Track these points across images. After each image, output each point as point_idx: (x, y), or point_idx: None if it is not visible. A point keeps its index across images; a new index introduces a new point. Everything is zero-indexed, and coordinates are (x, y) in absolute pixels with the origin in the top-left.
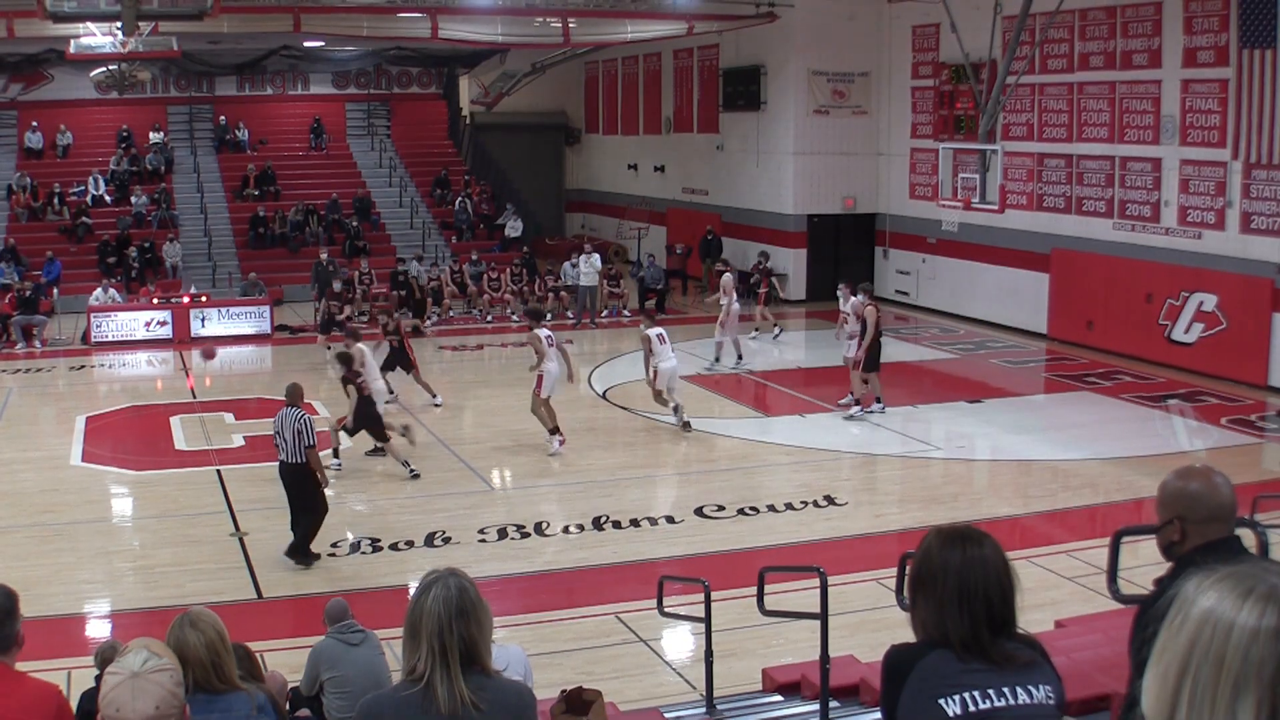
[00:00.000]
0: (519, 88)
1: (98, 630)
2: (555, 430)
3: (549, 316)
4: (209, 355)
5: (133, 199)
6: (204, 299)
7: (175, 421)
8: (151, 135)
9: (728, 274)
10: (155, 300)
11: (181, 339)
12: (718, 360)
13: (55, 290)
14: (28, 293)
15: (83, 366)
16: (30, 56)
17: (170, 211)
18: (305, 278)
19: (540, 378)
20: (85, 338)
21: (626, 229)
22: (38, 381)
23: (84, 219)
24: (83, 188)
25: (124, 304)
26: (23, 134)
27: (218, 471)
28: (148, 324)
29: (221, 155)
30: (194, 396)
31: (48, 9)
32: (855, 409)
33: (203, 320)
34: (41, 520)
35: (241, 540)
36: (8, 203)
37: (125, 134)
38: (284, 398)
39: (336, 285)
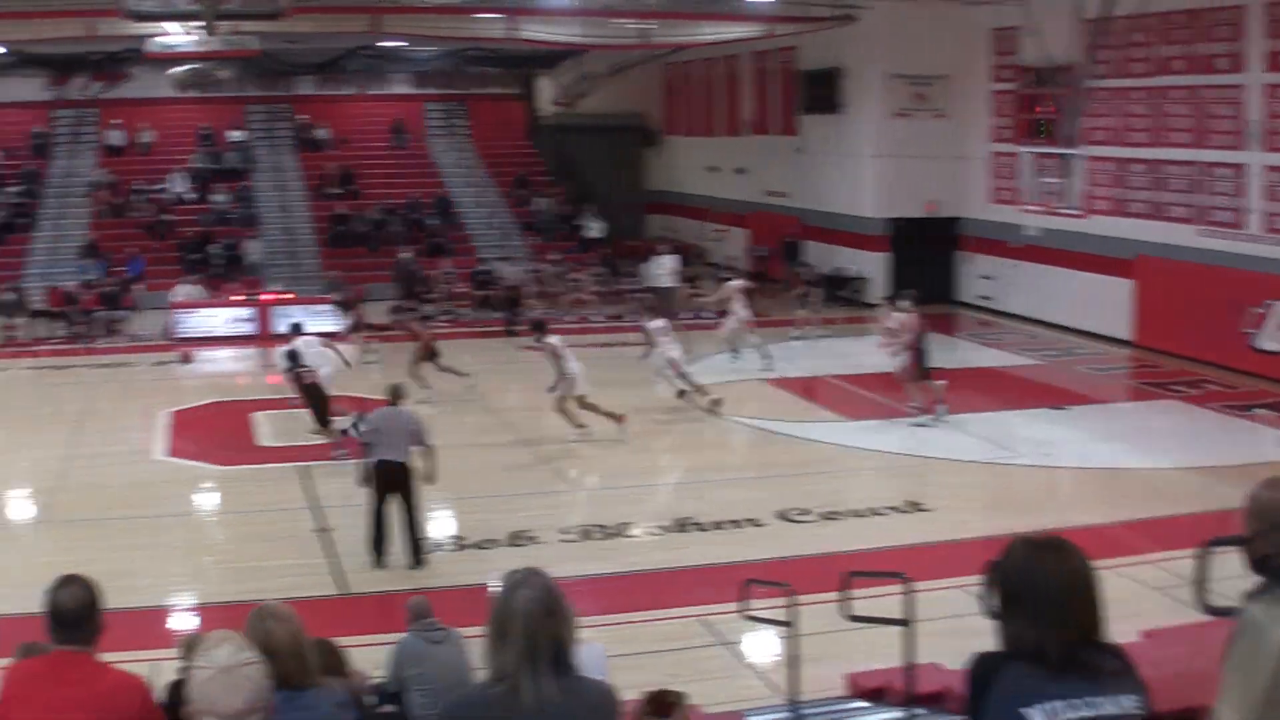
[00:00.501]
0: (597, 89)
1: (181, 623)
2: (613, 415)
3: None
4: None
5: (214, 197)
6: (288, 296)
7: (257, 417)
8: (232, 134)
9: (735, 281)
10: (238, 297)
11: (264, 335)
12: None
13: (138, 287)
14: (111, 289)
15: (166, 362)
16: (111, 55)
17: (251, 210)
18: (386, 276)
19: (569, 381)
20: (169, 333)
21: (708, 231)
22: (120, 377)
23: (166, 216)
24: (165, 185)
25: (207, 300)
26: (105, 131)
27: (299, 468)
28: (230, 320)
29: (301, 154)
30: (276, 393)
31: (128, 8)
32: (922, 417)
33: (283, 317)
34: (126, 514)
35: (324, 536)
36: (90, 200)
37: (206, 132)
38: (387, 397)
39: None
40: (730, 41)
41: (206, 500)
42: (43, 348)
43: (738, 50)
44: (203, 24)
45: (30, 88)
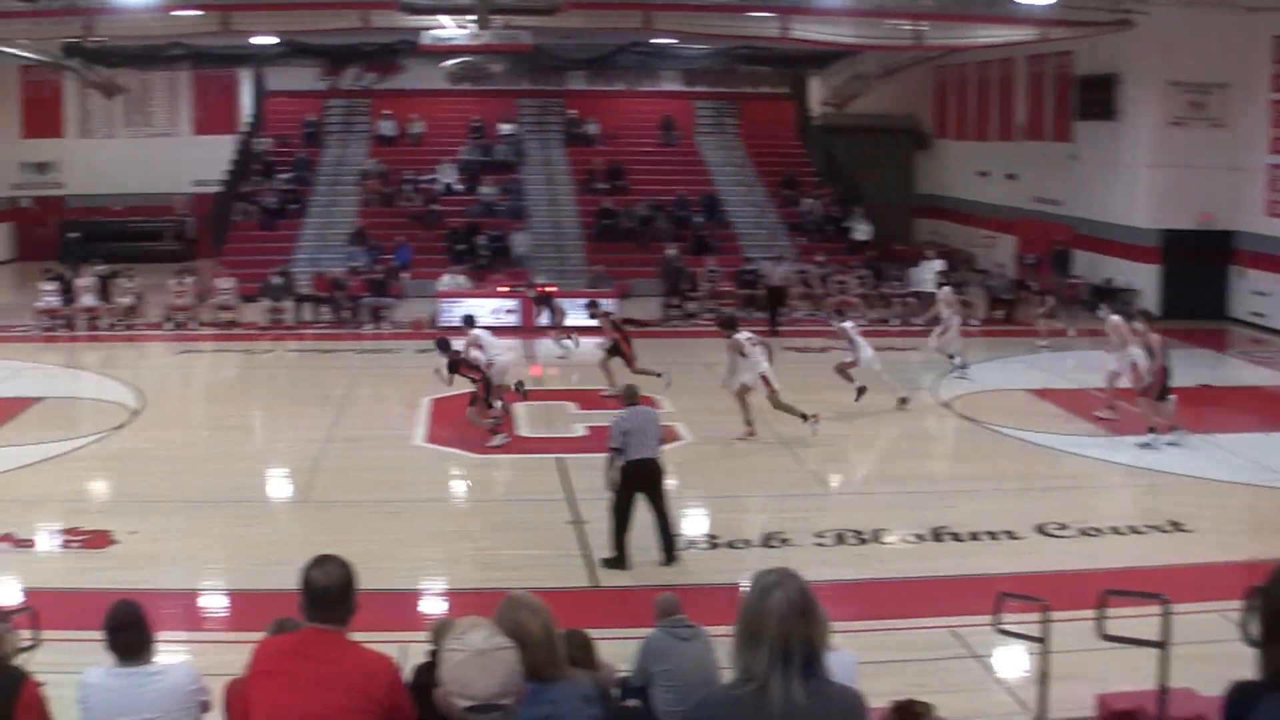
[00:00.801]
0: (869, 90)
1: (432, 607)
2: (803, 414)
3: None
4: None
5: (482, 189)
6: (552, 289)
7: (518, 408)
8: (502, 126)
9: (946, 288)
10: (503, 289)
11: (527, 327)
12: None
13: (405, 275)
14: (379, 276)
15: (431, 350)
16: (385, 47)
17: (519, 202)
18: (651, 273)
19: (762, 378)
20: (434, 322)
21: (976, 237)
22: (384, 363)
23: (434, 206)
24: (434, 176)
25: (472, 290)
26: (376, 121)
27: (557, 459)
28: (494, 311)
29: (570, 148)
30: (537, 384)
31: (402, 1)
32: (1156, 437)
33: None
34: (382, 497)
35: (578, 528)
36: (360, 188)
37: (477, 124)
38: (625, 399)
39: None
40: (1005, 45)
41: (463, 487)
42: (308, 332)
43: (1012, 54)
44: (476, 18)
45: (305, 77)
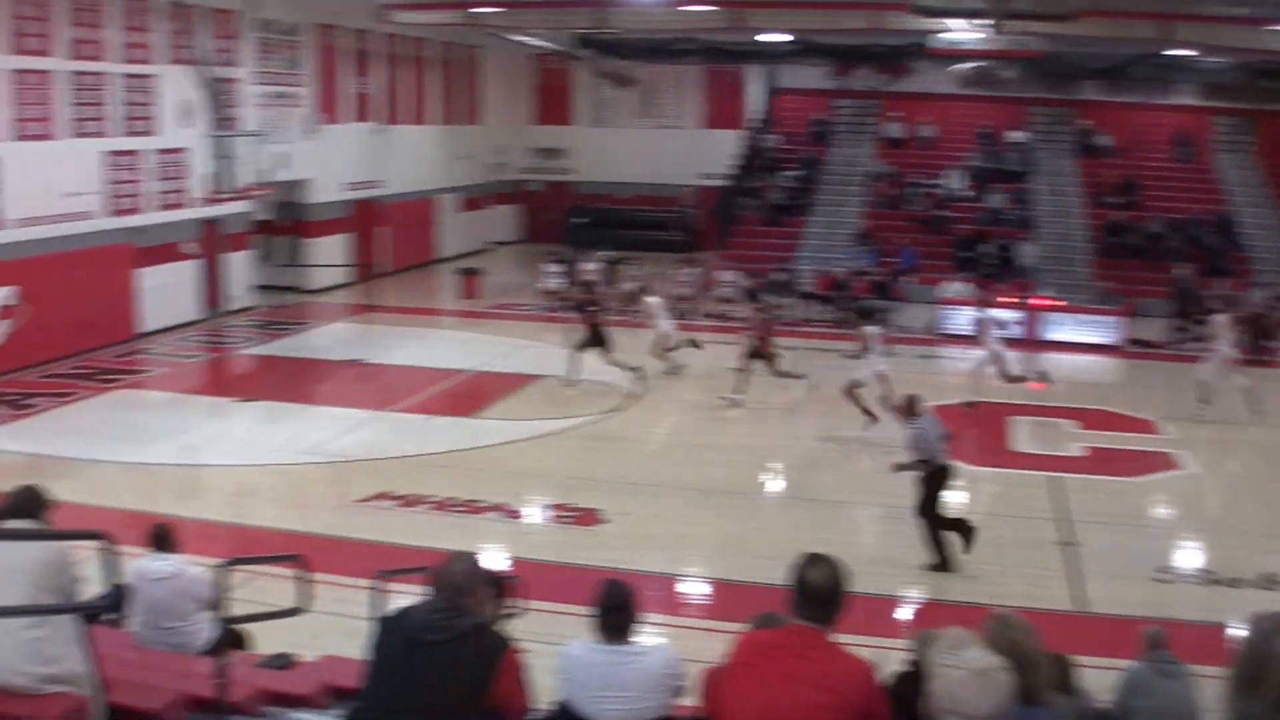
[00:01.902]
0: None
1: (911, 615)
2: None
3: None
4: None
5: (989, 196)
6: (1058, 303)
7: (1013, 421)
8: (1012, 134)
9: (1222, 315)
10: (1007, 299)
11: (1030, 340)
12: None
13: (908, 279)
14: (882, 278)
15: (928, 356)
16: (895, 48)
17: (1027, 212)
18: (1159, 292)
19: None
20: (934, 328)
21: None
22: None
23: (940, 212)
24: (941, 181)
25: (975, 299)
26: (884, 123)
27: (1050, 478)
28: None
29: (1081, 160)
30: (1036, 400)
31: (914, 3)
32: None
33: (1051, 324)
34: (878, 500)
35: (1067, 550)
36: (866, 189)
37: (986, 131)
38: (907, 409)
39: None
40: None
41: (951, 498)
42: (807, 329)
43: None
44: (989, 22)
45: (814, 76)
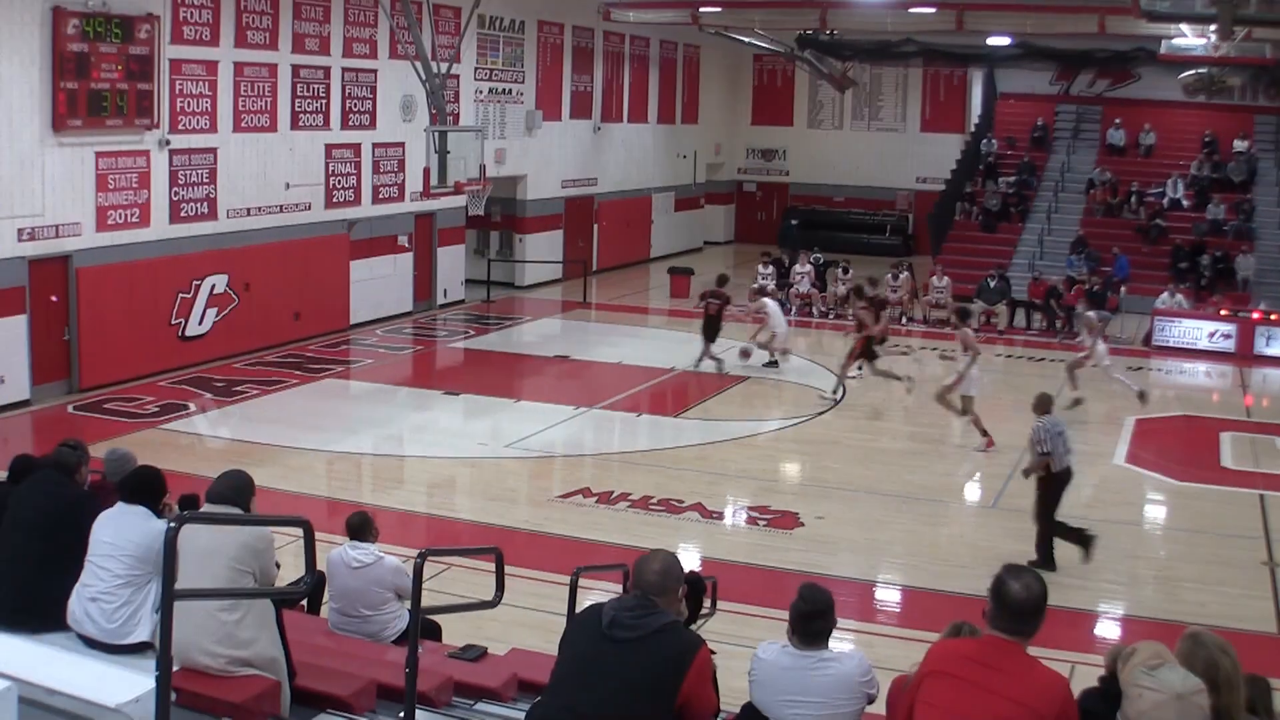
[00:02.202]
0: None
1: (1106, 630)
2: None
3: None
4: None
5: (1210, 206)
6: (1273, 317)
7: (1225, 437)
8: (1236, 143)
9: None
10: (1222, 311)
11: (1244, 354)
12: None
13: (1123, 288)
14: (1096, 287)
15: (1140, 368)
16: (1119, 54)
17: (1248, 224)
18: None
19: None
20: (1147, 339)
21: None
22: (1093, 376)
23: (1159, 221)
24: (1161, 189)
25: (1190, 311)
26: (1105, 130)
27: (1260, 496)
28: (1211, 334)
29: None
30: (1248, 415)
31: (1142, 7)
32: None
33: (1267, 338)
34: (1075, 513)
35: (1273, 570)
36: (1085, 196)
37: (1209, 139)
38: (1041, 407)
39: None
40: None
41: (1157, 512)
42: (1019, 338)
43: None
44: (1217, 28)
45: (1036, 80)
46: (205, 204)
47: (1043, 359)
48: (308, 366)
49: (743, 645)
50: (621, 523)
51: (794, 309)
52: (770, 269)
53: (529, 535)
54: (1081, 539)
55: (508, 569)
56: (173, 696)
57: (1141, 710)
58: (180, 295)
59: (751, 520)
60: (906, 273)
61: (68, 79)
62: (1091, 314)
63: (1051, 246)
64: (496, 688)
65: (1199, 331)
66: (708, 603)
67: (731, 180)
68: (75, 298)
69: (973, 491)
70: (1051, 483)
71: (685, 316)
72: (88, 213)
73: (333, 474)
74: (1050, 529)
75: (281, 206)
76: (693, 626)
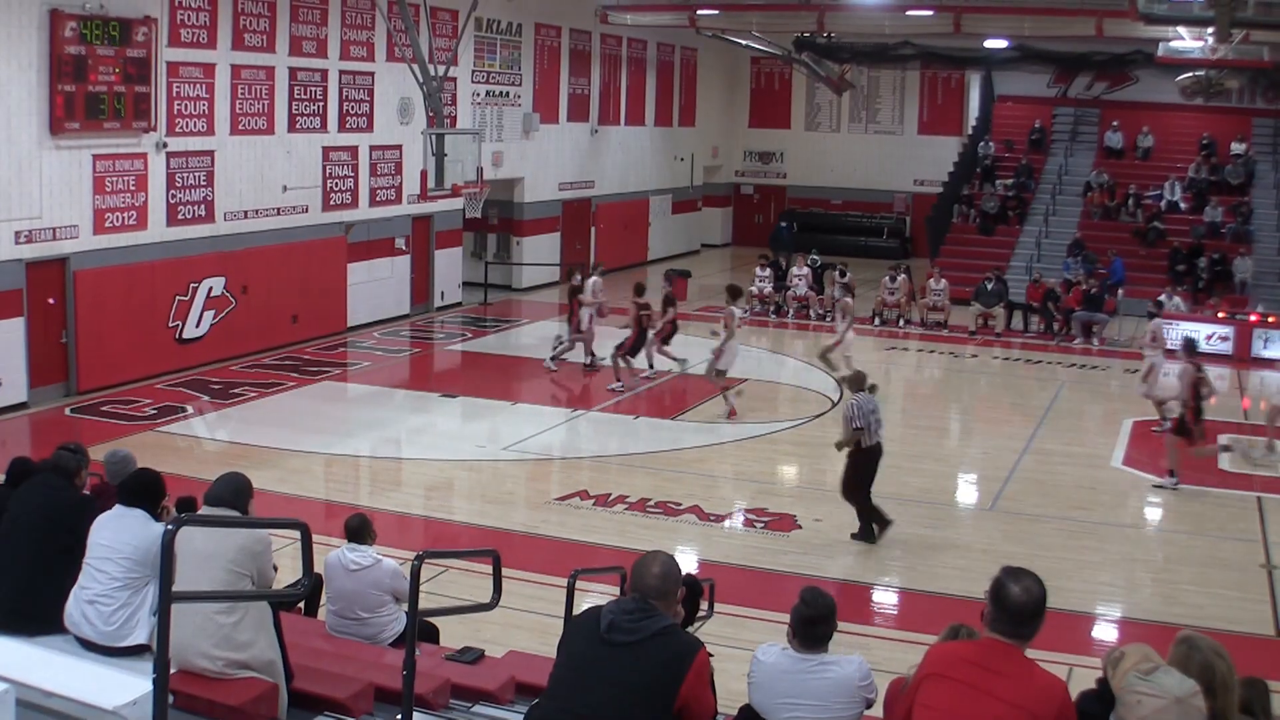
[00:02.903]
0: None
1: (1104, 632)
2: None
3: None
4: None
5: (1208, 209)
6: (1271, 319)
7: (1222, 439)
8: (1234, 146)
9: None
10: (1220, 314)
11: (1241, 357)
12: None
13: (1120, 290)
14: (1093, 290)
15: (1137, 370)
16: (1117, 56)
17: (1246, 226)
18: None
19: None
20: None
21: None
22: (1091, 379)
23: (1157, 223)
24: (1159, 192)
25: (1187, 313)
26: (1103, 132)
27: (1258, 498)
28: (1209, 337)
29: None
30: (1245, 418)
31: (1140, 10)
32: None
33: (1265, 341)
34: (1073, 516)
35: (1270, 573)
36: (1083, 198)
37: (1206, 142)
38: (854, 385)
39: None
40: None
41: (1154, 515)
42: (1016, 340)
43: None
44: (1215, 30)
45: (1034, 83)
46: (203, 207)
47: (1040, 361)
48: (305, 369)
49: (740, 648)
50: (619, 525)
51: (791, 312)
52: (768, 271)
53: (527, 538)
54: (880, 520)
55: (505, 571)
56: (170, 699)
57: (1142, 717)
58: (178, 298)
59: (749, 523)
60: (904, 275)
61: (65, 81)
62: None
63: (1049, 249)
64: (494, 690)
65: (1197, 334)
66: (705, 605)
67: (729, 183)
68: (73, 300)
69: (970, 494)
70: (863, 458)
71: (681, 319)
72: (85, 215)
73: (330, 476)
74: (862, 502)
75: (279, 209)
76: (690, 629)
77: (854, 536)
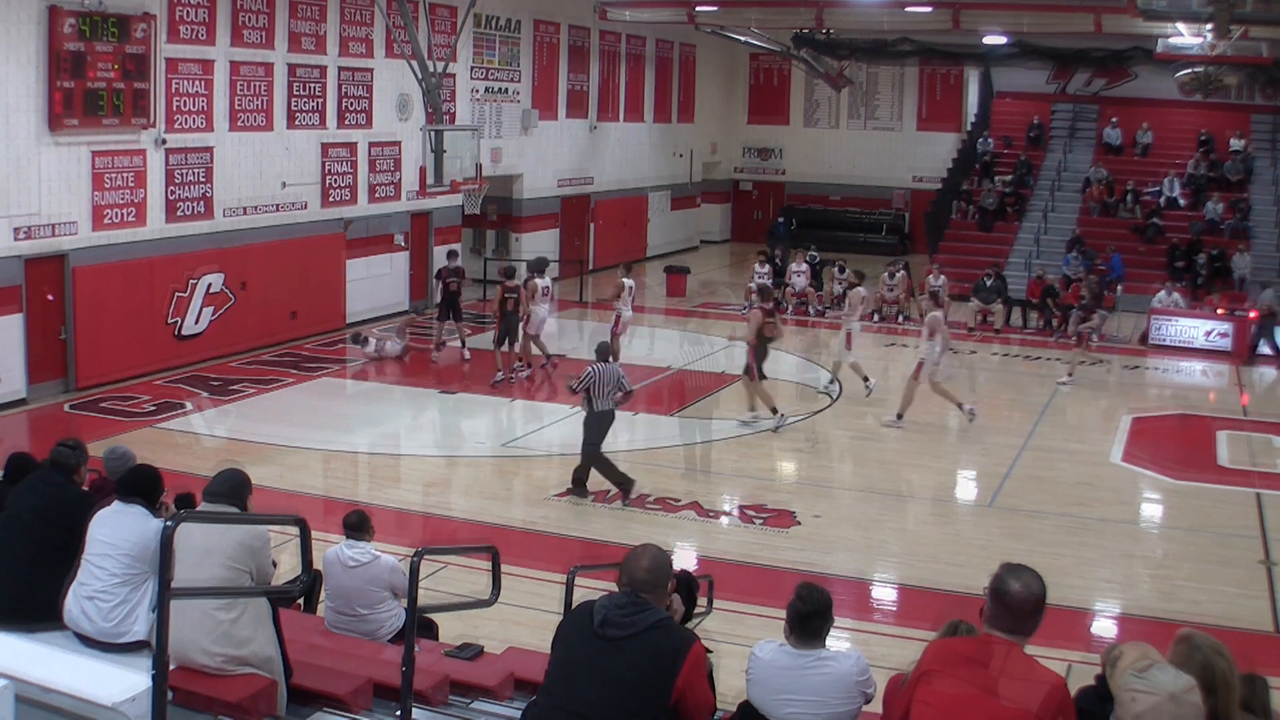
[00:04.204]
0: None
1: (1103, 629)
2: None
3: None
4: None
5: (1207, 205)
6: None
7: (1221, 436)
8: (1232, 142)
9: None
10: (1219, 310)
11: (1240, 353)
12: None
13: (1118, 287)
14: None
15: (1136, 367)
16: (1115, 53)
17: (1244, 222)
18: None
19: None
20: (1143, 338)
21: None
22: (1091, 376)
23: (1155, 220)
24: (1158, 188)
25: (1186, 310)
26: (1102, 129)
27: (1257, 495)
28: (1208, 333)
29: None
30: (1244, 414)
31: (1138, 6)
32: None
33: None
34: (1072, 512)
35: (1269, 569)
36: (1081, 195)
37: (1205, 138)
38: (597, 355)
39: None
40: None
41: (1153, 511)
42: (1015, 336)
43: None
44: (1214, 26)
45: (1032, 79)
46: (201, 203)
47: (1039, 358)
48: (304, 365)
49: (739, 644)
50: (617, 521)
51: (790, 308)
52: (767, 267)
53: (525, 534)
54: (622, 482)
55: (504, 567)
56: (169, 695)
57: (1138, 714)
58: (176, 294)
59: (748, 519)
60: (903, 271)
61: (64, 78)
62: None
63: (1048, 245)
64: (493, 686)
65: (1196, 330)
66: (703, 601)
67: (728, 179)
68: (71, 296)
69: (969, 490)
70: (595, 420)
71: (682, 315)
72: (84, 211)
73: (329, 472)
74: (594, 461)
75: (278, 205)
76: (688, 625)
77: (568, 490)
